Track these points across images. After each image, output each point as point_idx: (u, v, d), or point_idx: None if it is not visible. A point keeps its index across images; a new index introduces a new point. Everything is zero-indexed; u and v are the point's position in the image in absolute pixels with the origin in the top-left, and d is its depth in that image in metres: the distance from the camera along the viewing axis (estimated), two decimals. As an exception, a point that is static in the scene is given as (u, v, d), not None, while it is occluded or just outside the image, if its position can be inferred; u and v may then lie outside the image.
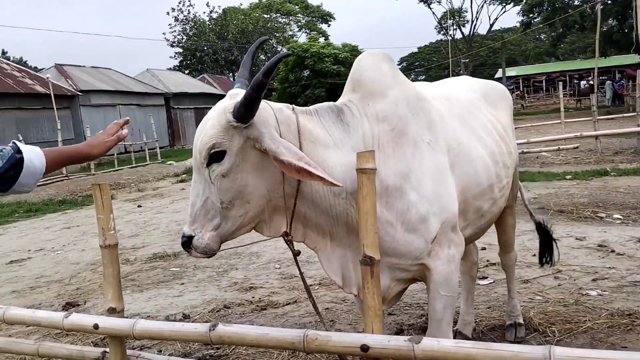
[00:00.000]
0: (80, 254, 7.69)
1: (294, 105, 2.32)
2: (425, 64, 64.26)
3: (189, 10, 51.69)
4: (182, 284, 5.74)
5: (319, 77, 36.85)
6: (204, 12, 78.57)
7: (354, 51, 37.72)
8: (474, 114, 2.84)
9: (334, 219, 2.27)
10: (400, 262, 2.34)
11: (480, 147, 2.67)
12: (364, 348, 1.93)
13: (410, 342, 1.86)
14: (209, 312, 4.76)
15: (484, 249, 5.56)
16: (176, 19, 50.91)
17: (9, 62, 29.45)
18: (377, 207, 2.11)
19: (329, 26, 59.20)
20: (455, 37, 56.43)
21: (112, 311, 2.60)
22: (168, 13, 54.60)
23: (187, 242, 2.16)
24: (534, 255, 5.55)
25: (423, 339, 1.87)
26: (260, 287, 5.36)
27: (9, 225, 11.29)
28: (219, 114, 2.09)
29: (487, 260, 5.38)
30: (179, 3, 53.96)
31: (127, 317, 4.79)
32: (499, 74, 48.41)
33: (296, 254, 2.32)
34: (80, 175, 19.21)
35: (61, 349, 2.84)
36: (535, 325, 3.72)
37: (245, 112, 2.02)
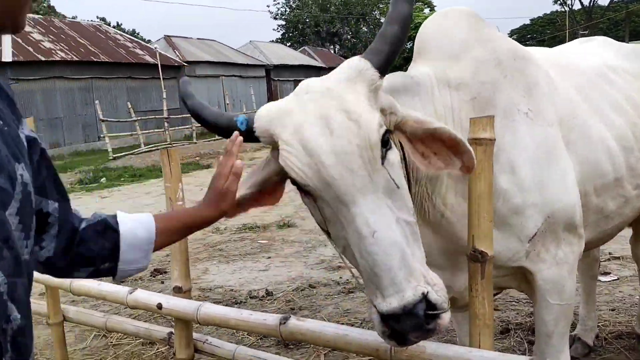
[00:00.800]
0: (174, 220, 7.73)
1: None
2: (537, 37, 60.36)
3: (293, -19, 51.77)
4: (269, 257, 5.54)
5: (422, 49, 35.52)
6: (308, -16, 78.42)
7: (460, 22, 35.94)
8: (600, 86, 2.24)
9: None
10: None
11: (603, 127, 2.09)
12: (469, 368, 1.50)
13: (532, 368, 1.41)
14: (292, 290, 4.49)
15: (605, 240, 4.85)
16: (280, -9, 51.20)
17: (123, 33, 30.91)
18: (451, 197, 1.68)
19: (435, -4, 56.84)
20: (573, 7, 52.49)
21: (177, 290, 2.33)
22: (272, -15, 54.94)
23: (432, 307, 1.26)
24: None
25: (549, 366, 1.41)
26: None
27: (115, 188, 11.78)
28: (350, 80, 1.37)
29: (609, 253, 4.69)
30: (283, -25, 54.02)
31: (209, 290, 4.70)
32: (620, 47, 44.37)
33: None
34: (184, 144, 19.89)
35: (129, 325, 2.66)
36: (675, 338, 3.09)
37: (393, 51, 1.39)
